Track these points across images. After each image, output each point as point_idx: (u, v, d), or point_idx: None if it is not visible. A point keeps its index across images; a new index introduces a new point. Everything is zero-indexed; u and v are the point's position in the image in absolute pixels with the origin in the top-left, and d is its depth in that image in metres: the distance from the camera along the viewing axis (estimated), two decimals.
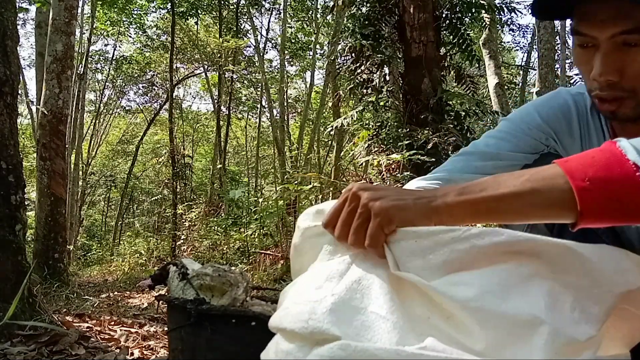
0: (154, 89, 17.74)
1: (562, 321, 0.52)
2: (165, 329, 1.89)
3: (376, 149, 5.46)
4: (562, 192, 0.56)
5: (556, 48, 7.51)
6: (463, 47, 5.63)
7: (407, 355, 0.49)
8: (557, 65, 8.69)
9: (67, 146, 5.00)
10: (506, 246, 0.56)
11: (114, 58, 16.46)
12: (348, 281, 0.58)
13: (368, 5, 5.81)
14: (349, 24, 6.09)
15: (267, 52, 18.67)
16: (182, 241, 9.07)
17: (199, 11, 14.12)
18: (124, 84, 17.62)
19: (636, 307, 0.57)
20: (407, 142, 4.90)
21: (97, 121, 17.13)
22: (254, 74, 15.43)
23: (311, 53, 15.54)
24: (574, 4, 0.79)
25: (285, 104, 14.13)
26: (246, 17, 14.63)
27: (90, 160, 16.27)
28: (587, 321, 0.53)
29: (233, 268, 1.14)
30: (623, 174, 0.55)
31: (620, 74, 0.78)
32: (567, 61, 10.16)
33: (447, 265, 0.57)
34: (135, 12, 14.84)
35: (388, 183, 4.78)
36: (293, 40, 15.63)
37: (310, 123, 14.54)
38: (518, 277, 0.55)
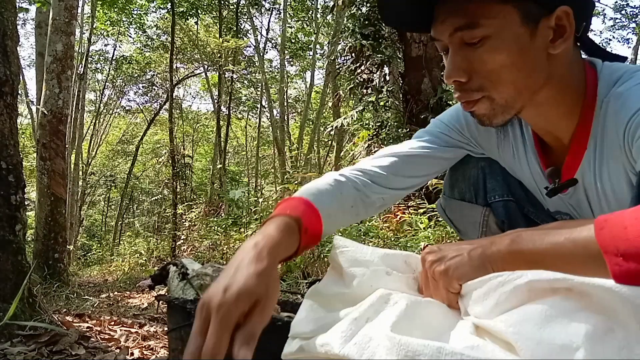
0: (154, 89, 17.76)
1: (604, 354, 0.51)
2: (165, 329, 1.89)
3: (376, 149, 5.46)
4: (595, 262, 0.57)
5: None
6: None
7: (449, 354, 0.52)
8: None
9: (67, 146, 5.00)
10: (548, 284, 0.57)
11: (114, 58, 16.48)
12: (435, 347, 0.58)
13: (368, 5, 5.81)
14: (349, 24, 6.10)
15: (267, 52, 18.69)
16: (182, 241, 9.07)
17: (199, 11, 14.14)
18: (124, 84, 17.63)
19: None
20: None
21: (97, 121, 17.14)
22: (254, 74, 15.44)
23: (311, 53, 15.56)
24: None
25: (285, 104, 14.14)
26: (246, 17, 14.64)
27: (90, 160, 16.27)
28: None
29: None
30: None
31: (467, 74, 0.77)
32: None
33: (499, 307, 0.60)
34: (135, 12, 14.86)
35: None
36: (293, 40, 15.64)
37: (310, 123, 14.55)
38: (562, 309, 0.54)
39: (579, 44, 0.83)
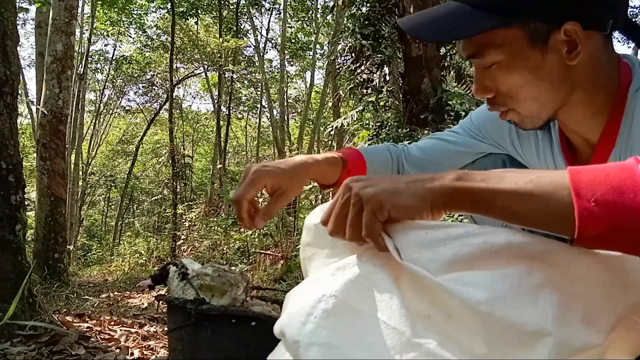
0: (154, 89, 17.76)
1: (569, 333, 0.52)
2: (165, 329, 1.89)
3: None
4: (562, 206, 0.51)
5: None
6: None
7: None
8: None
9: (67, 146, 5.00)
10: (520, 248, 0.54)
11: (114, 58, 16.48)
12: (349, 279, 0.57)
13: (368, 5, 5.81)
14: (349, 24, 6.10)
15: (267, 52, 18.70)
16: (182, 241, 9.07)
17: (199, 11, 14.14)
18: (124, 84, 17.63)
19: None
20: (407, 142, 4.90)
21: (97, 121, 17.14)
22: (254, 74, 15.44)
23: (311, 53, 15.56)
24: None
25: (285, 104, 14.14)
26: (246, 17, 14.64)
27: (90, 160, 16.27)
28: (595, 332, 0.53)
29: (233, 268, 1.15)
30: (637, 203, 0.49)
31: (492, 91, 0.81)
32: None
33: (457, 260, 0.55)
34: (135, 12, 14.86)
35: None
36: (293, 40, 15.64)
37: (310, 123, 14.55)
38: (528, 284, 0.53)
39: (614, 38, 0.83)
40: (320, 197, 6.46)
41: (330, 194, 6.07)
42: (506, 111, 0.83)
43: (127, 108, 19.36)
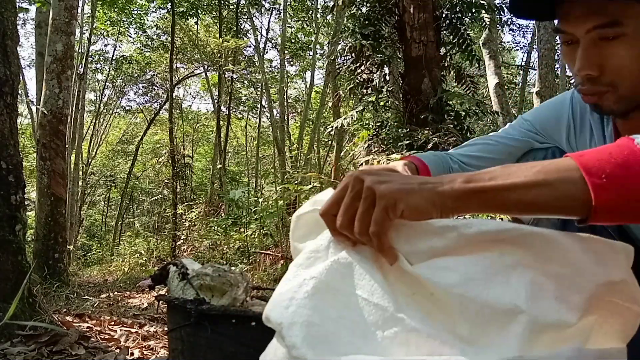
0: (154, 89, 17.76)
1: (542, 310, 0.53)
2: (165, 329, 1.89)
3: (376, 149, 5.46)
4: (576, 187, 0.54)
5: (556, 48, 7.51)
6: (463, 47, 5.63)
7: None
8: (557, 65, 8.69)
9: (67, 146, 5.00)
10: (492, 235, 0.56)
11: (114, 58, 16.48)
12: (328, 263, 0.58)
13: (368, 5, 5.81)
14: (349, 24, 6.10)
15: (267, 52, 18.68)
16: (182, 241, 9.07)
17: (199, 11, 14.13)
18: (124, 84, 17.63)
19: (624, 300, 0.57)
20: (407, 142, 4.90)
21: (97, 121, 17.13)
22: (254, 74, 15.44)
23: (311, 53, 15.56)
24: (556, 4, 0.82)
25: (285, 104, 14.14)
26: (246, 17, 14.64)
27: (90, 160, 16.27)
28: (568, 309, 0.54)
29: (233, 268, 1.15)
30: None
31: (599, 69, 0.80)
32: None
33: (433, 251, 0.57)
34: (135, 12, 14.85)
35: None
36: (293, 40, 15.63)
37: (310, 123, 14.55)
38: (501, 265, 0.55)
39: None
40: None
41: None
42: (603, 93, 0.82)
43: (127, 108, 19.37)
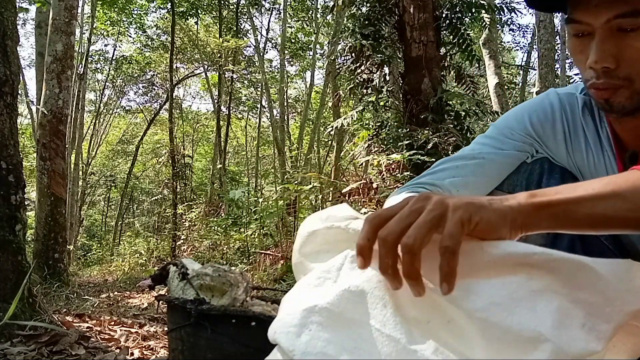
0: (154, 89, 17.76)
1: (568, 339, 0.52)
2: (165, 329, 1.89)
3: (376, 149, 5.46)
4: None
5: (556, 48, 7.52)
6: (463, 47, 5.63)
7: None
8: (557, 65, 8.69)
9: (67, 146, 4.99)
10: (519, 257, 0.55)
11: (114, 58, 16.48)
12: (340, 291, 0.57)
13: (368, 5, 5.81)
14: (349, 24, 6.10)
15: (267, 52, 18.67)
16: (182, 241, 9.07)
17: (199, 11, 14.13)
18: (124, 84, 17.63)
19: None
20: (407, 142, 4.90)
21: (97, 121, 17.13)
22: (254, 74, 15.44)
23: (311, 53, 15.56)
24: None
25: (285, 104, 14.14)
26: (246, 17, 14.64)
27: (90, 160, 16.27)
28: (596, 338, 0.53)
29: (233, 268, 1.14)
30: None
31: (616, 61, 0.77)
32: (567, 61, 10.16)
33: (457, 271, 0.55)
34: (135, 12, 14.86)
35: (388, 183, 4.78)
36: (293, 40, 15.63)
37: (310, 123, 14.55)
38: (528, 290, 0.53)
39: None
40: (320, 197, 6.46)
41: (330, 194, 6.07)
42: (618, 87, 0.79)
43: (127, 108, 19.37)
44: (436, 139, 4.76)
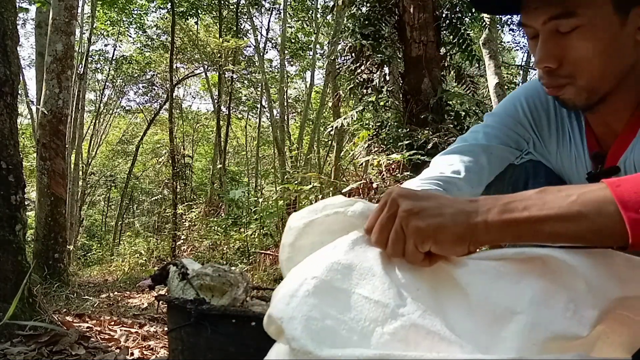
0: (154, 89, 17.75)
1: (548, 317, 0.53)
2: (165, 329, 1.89)
3: (376, 149, 5.46)
4: (611, 221, 0.53)
5: None
6: (463, 47, 5.63)
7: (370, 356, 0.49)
8: None
9: (67, 146, 4.99)
10: (510, 256, 0.58)
11: (114, 58, 16.47)
12: (329, 262, 0.58)
13: (368, 5, 5.81)
14: (349, 24, 6.10)
15: (267, 52, 18.68)
16: (182, 241, 9.07)
17: (199, 11, 14.13)
18: (124, 84, 17.62)
19: (635, 314, 0.57)
20: (407, 142, 4.90)
21: (97, 121, 17.13)
22: (254, 74, 15.43)
23: (311, 53, 15.56)
24: None
25: (285, 104, 14.14)
26: (246, 17, 14.63)
27: (90, 160, 16.27)
28: (579, 323, 0.54)
29: (233, 268, 1.15)
30: None
31: (558, 61, 0.80)
32: None
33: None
34: (135, 12, 14.85)
35: (388, 183, 4.78)
36: (293, 40, 15.62)
37: (310, 123, 14.55)
38: (516, 269, 0.57)
39: None
40: (320, 197, 6.46)
41: (330, 194, 6.07)
42: (563, 85, 0.81)
43: (127, 108, 19.36)
44: (436, 139, 4.76)
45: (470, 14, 5.76)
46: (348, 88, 6.13)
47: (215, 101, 14.17)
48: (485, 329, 0.53)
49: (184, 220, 9.86)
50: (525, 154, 1.03)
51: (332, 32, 11.08)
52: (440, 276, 0.58)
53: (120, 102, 18.76)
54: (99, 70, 17.11)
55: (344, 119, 5.79)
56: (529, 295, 0.54)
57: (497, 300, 0.54)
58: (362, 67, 5.74)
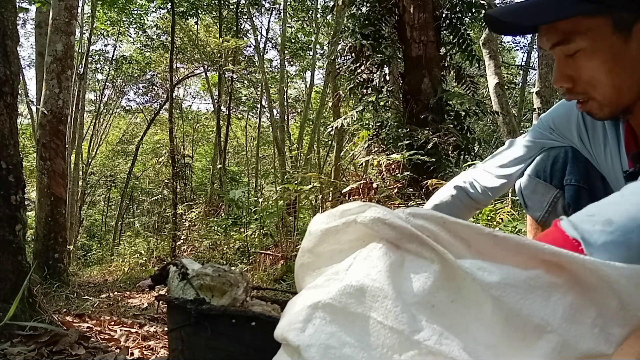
0: (154, 89, 17.75)
1: (576, 334, 0.52)
2: (165, 329, 1.89)
3: (376, 149, 5.46)
4: None
5: None
6: (463, 47, 5.63)
7: None
8: None
9: (67, 146, 4.99)
10: (531, 251, 0.56)
11: (114, 58, 16.47)
12: (342, 286, 0.58)
13: (368, 5, 5.81)
14: (349, 24, 6.09)
15: (267, 52, 18.69)
16: (182, 241, 9.07)
17: (199, 11, 14.12)
18: (124, 84, 17.63)
19: None
20: (407, 142, 4.90)
21: (97, 121, 17.13)
22: (254, 74, 15.43)
23: (311, 53, 15.55)
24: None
25: (285, 104, 14.14)
26: (246, 17, 14.63)
27: (90, 160, 16.27)
28: (606, 341, 0.53)
29: (233, 268, 1.14)
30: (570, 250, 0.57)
31: (571, 81, 0.86)
32: None
33: (470, 247, 0.58)
34: (135, 12, 14.85)
35: (388, 183, 4.78)
36: (293, 40, 15.62)
37: (310, 123, 14.54)
38: (544, 281, 0.55)
39: None
40: (320, 197, 6.46)
41: (330, 194, 6.07)
42: (585, 101, 0.87)
43: (127, 108, 19.36)
44: (436, 139, 4.75)
45: (470, 14, 5.76)
46: (348, 88, 6.12)
47: (215, 101, 14.17)
48: (512, 344, 0.52)
49: (184, 220, 9.86)
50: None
51: (332, 32, 11.08)
52: (463, 287, 0.56)
53: (120, 102, 18.77)
54: (99, 70, 17.11)
55: (344, 119, 5.78)
56: (559, 313, 0.53)
57: (529, 317, 0.53)
58: (362, 67, 5.73)
